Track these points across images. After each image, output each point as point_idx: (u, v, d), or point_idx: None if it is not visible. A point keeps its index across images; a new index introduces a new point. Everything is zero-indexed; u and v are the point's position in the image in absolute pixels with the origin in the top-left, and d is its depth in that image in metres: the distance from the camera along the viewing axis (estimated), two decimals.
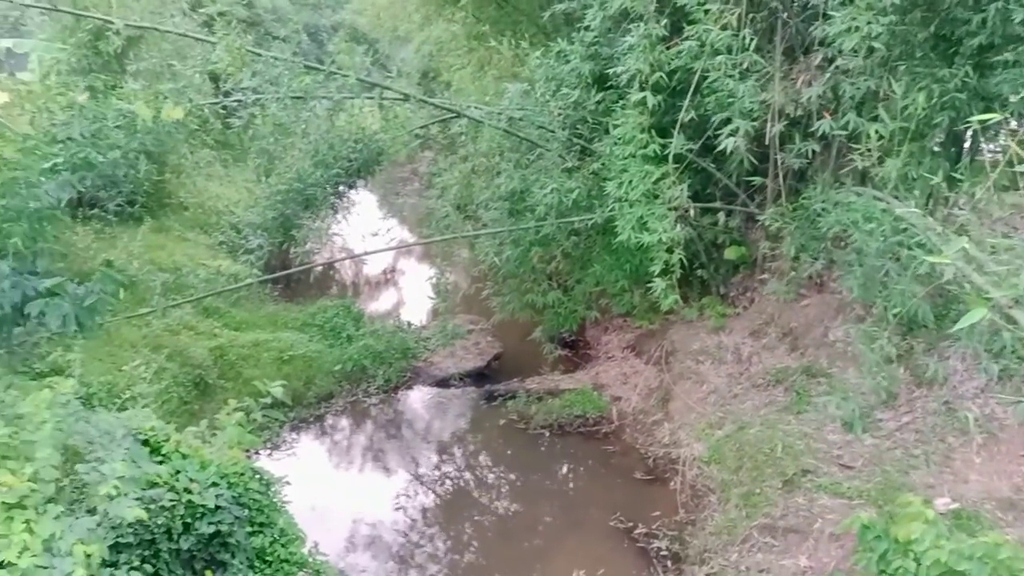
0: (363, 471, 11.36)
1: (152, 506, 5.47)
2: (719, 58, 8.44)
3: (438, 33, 18.27)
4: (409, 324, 14.93)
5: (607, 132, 10.01)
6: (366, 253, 12.88)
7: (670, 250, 8.68)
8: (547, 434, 11.45)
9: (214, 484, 6.39)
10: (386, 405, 12.90)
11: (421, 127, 13.00)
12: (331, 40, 24.78)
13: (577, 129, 11.23)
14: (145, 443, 6.11)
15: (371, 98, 11.22)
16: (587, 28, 10.30)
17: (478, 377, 13.42)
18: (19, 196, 5.85)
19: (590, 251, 11.94)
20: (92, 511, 4.59)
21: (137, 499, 5.02)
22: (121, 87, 10.21)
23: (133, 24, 9.99)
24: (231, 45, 9.44)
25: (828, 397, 8.36)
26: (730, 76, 8.39)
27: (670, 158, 8.80)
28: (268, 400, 8.10)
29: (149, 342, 11.36)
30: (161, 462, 6.13)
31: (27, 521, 4.08)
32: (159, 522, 5.64)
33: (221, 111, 11.43)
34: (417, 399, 13.18)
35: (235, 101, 10.75)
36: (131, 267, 12.07)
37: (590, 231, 11.45)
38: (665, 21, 8.89)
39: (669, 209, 8.72)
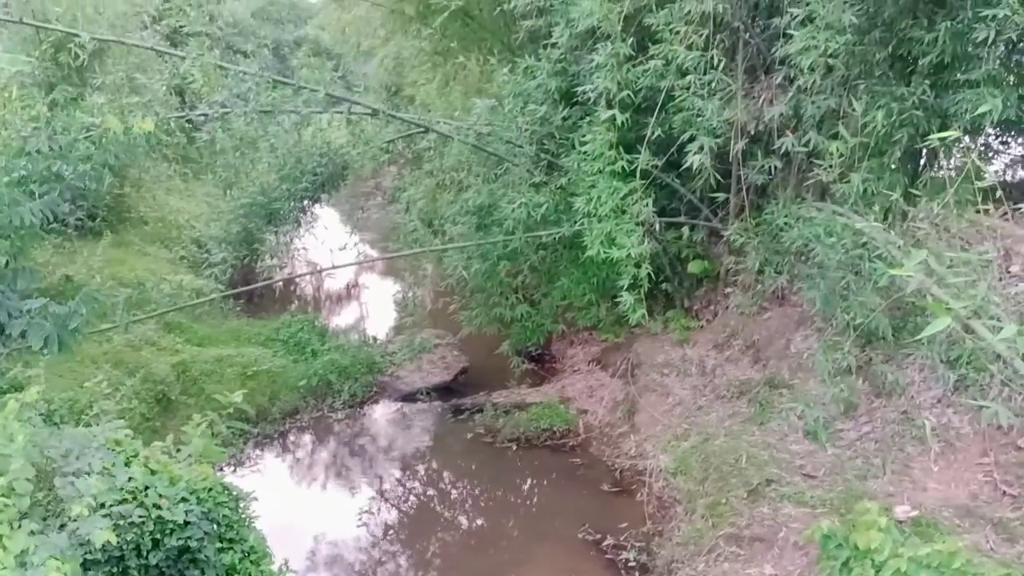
0: (328, 487, 11.27)
1: (121, 522, 5.41)
2: (688, 78, 8.63)
3: (402, 49, 18.34)
4: (375, 339, 14.88)
5: (574, 147, 10.14)
6: (331, 268, 12.80)
7: (638, 264, 8.81)
8: (514, 447, 11.49)
9: (183, 499, 6.31)
10: (352, 420, 12.82)
11: (388, 141, 13.02)
12: (294, 55, 24.75)
13: (544, 144, 11.36)
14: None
15: (339, 112, 11.22)
16: (554, 45, 10.46)
17: (445, 391, 13.41)
18: (2, 213, 5.78)
19: (557, 265, 12.06)
20: (63, 526, 4.53)
21: (106, 515, 4.97)
22: (84, 100, 10.09)
23: (98, 37, 9.88)
24: (205, 64, 9.41)
25: (791, 407, 8.55)
26: (697, 95, 8.58)
27: (637, 174, 8.96)
28: (230, 410, 8.07)
29: (111, 358, 11.18)
30: (129, 479, 6.05)
31: (0, 536, 4.01)
32: (128, 538, 5.56)
33: (186, 125, 11.33)
34: (383, 414, 13.13)
35: (201, 115, 10.69)
36: (92, 282, 11.87)
37: (557, 245, 11.57)
38: (631, 40, 9.07)
39: (636, 224, 8.86)
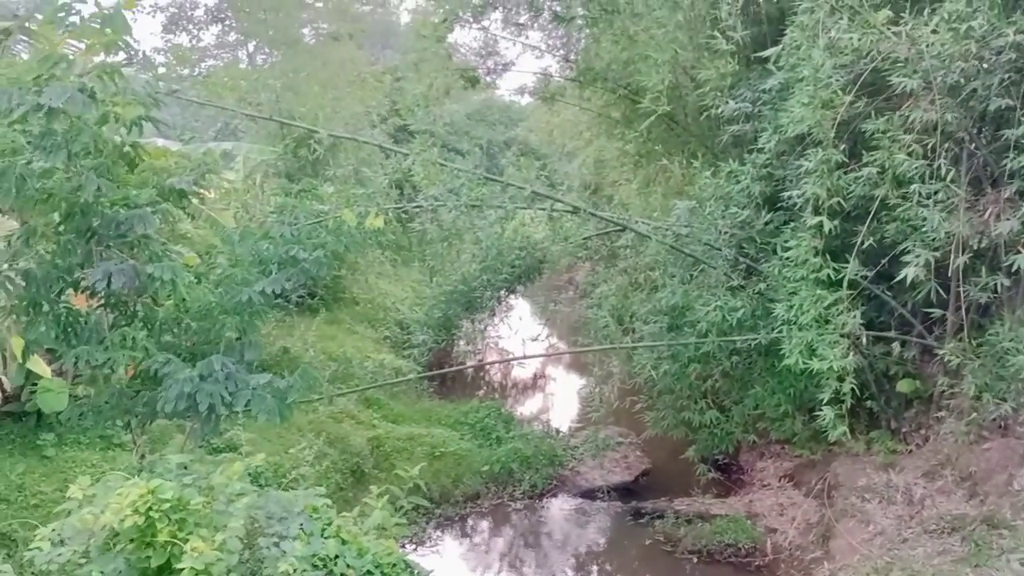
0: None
1: None
2: (911, 187, 8.27)
3: (604, 150, 18.89)
4: (557, 431, 14.94)
5: (775, 253, 9.90)
6: (521, 357, 13.14)
7: (841, 378, 8.34)
8: (695, 560, 10.96)
9: (368, 572, 6.55)
10: (530, 511, 12.81)
11: (585, 238, 13.34)
12: (502, 154, 26.14)
13: (744, 248, 11.17)
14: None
15: (542, 209, 11.70)
16: (760, 150, 10.38)
17: (625, 492, 13.12)
18: (235, 290, 6.50)
19: (751, 372, 11.62)
20: None
21: None
22: (317, 190, 11.19)
23: (334, 134, 11.01)
24: (427, 159, 10.22)
25: (1013, 551, 7.60)
26: (922, 205, 8.18)
27: (844, 283, 8.57)
28: (410, 485, 8.36)
29: (314, 427, 11.95)
30: (323, 545, 6.37)
31: None
32: None
33: (402, 215, 12.24)
34: (561, 508, 13.01)
35: (417, 207, 11.52)
36: (306, 355, 12.87)
37: (752, 351, 11.18)
38: (844, 147, 8.84)
39: (841, 335, 8.43)
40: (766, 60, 10.10)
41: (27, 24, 9.06)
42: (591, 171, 21.32)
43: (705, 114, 11.64)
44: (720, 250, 11.25)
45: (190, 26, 29.99)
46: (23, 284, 6.10)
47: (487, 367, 19.63)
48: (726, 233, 11.12)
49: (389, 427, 13.33)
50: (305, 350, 13.39)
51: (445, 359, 15.28)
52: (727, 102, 10.94)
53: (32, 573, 5.91)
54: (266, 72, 19.53)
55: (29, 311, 6.15)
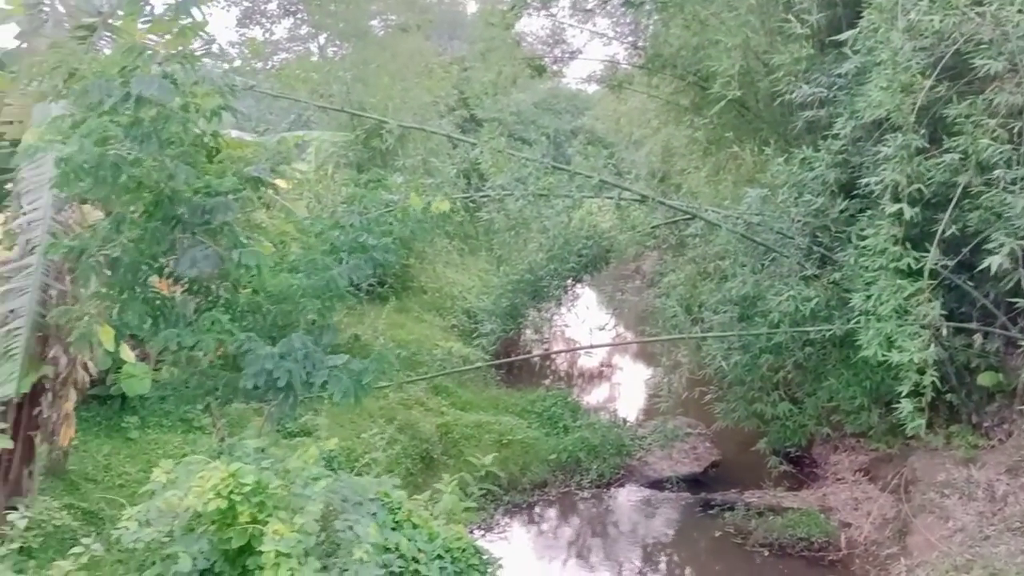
0: (568, 564, 11.29)
1: (383, 571, 5.79)
2: (997, 172, 7.96)
3: (672, 138, 18.67)
4: (625, 421, 14.88)
5: (850, 241, 9.65)
6: (588, 347, 13.11)
7: (921, 371, 8.09)
8: (765, 553, 10.81)
9: (439, 557, 6.66)
10: (597, 500, 12.81)
11: (654, 227, 13.22)
12: (569, 143, 26.05)
13: (818, 237, 10.92)
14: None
15: (609, 198, 11.63)
16: (835, 136, 10.11)
17: (693, 483, 13.00)
18: (318, 274, 6.68)
19: (825, 363, 11.36)
20: (344, 569, 4.96)
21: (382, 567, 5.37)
22: (386, 180, 11.35)
23: (404, 125, 11.14)
24: (494, 147, 10.28)
25: None
26: (1008, 191, 7.87)
27: (925, 273, 8.30)
28: (482, 473, 8.49)
29: (385, 413, 12.18)
30: (394, 529, 6.51)
31: (291, 570, 4.49)
32: None
33: (469, 204, 12.32)
34: (628, 498, 12.97)
35: (484, 196, 11.59)
36: (376, 342, 13.10)
37: (826, 343, 10.93)
38: (924, 132, 8.55)
39: (921, 327, 8.17)
40: (842, 44, 9.84)
41: (110, 21, 9.39)
42: (659, 159, 21.08)
43: (778, 100, 11.39)
44: (793, 239, 11.03)
45: (263, 20, 30.63)
46: (108, 272, 6.35)
47: (554, 356, 19.66)
48: (799, 221, 10.89)
49: (457, 414, 13.48)
50: (375, 337, 13.62)
51: (512, 348, 15.36)
52: (801, 87, 10.69)
53: (119, 551, 6.19)
54: (337, 64, 19.85)
55: (118, 296, 6.40)
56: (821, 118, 10.79)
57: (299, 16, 29.31)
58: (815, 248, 10.98)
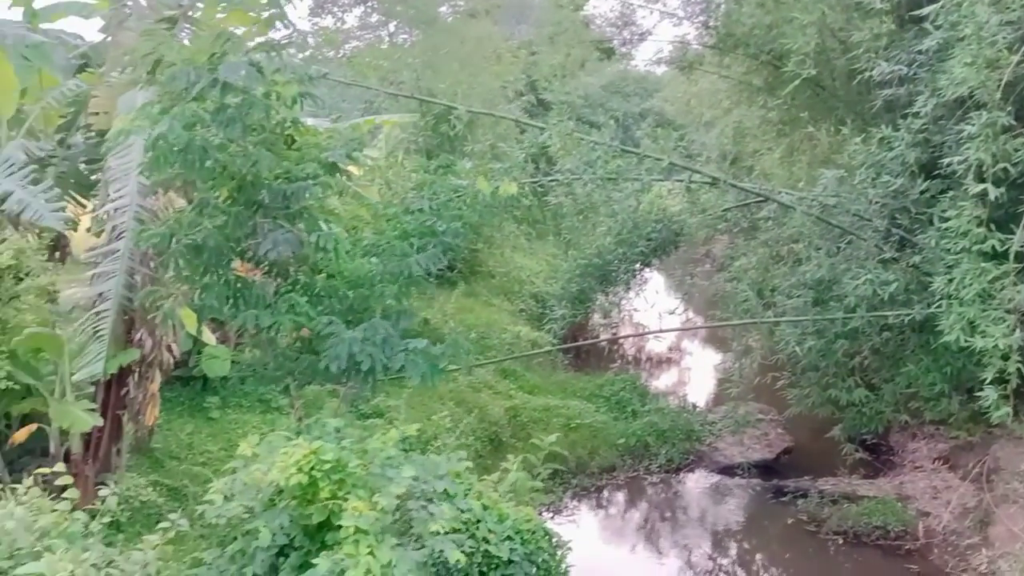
0: (637, 549, 11.33)
1: (457, 549, 5.90)
2: None
3: (744, 119, 18.28)
4: (694, 406, 14.78)
5: (931, 223, 9.34)
6: (657, 331, 13.03)
7: (1006, 357, 7.80)
8: (840, 541, 10.65)
9: (509, 538, 6.75)
10: (666, 485, 12.77)
11: (725, 210, 13.02)
12: (638, 126, 25.76)
13: (896, 219, 10.57)
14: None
15: (679, 180, 11.50)
16: (916, 115, 9.77)
17: (765, 470, 12.86)
18: (397, 260, 6.84)
19: (903, 349, 11.03)
20: (421, 545, 5.09)
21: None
22: (455, 166, 11.46)
23: (472, 111, 11.21)
24: (563, 130, 10.27)
25: None
26: None
27: (1011, 255, 7.98)
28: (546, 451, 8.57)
29: (455, 396, 12.35)
30: (465, 509, 6.62)
31: (369, 547, 4.63)
32: (459, 567, 6.05)
33: (537, 189, 12.35)
34: (698, 483, 12.91)
35: (552, 180, 11.59)
36: (445, 326, 13.27)
37: (905, 327, 10.60)
38: (1010, 109, 8.19)
39: (1006, 311, 7.88)
40: (922, 19, 9.48)
41: (190, 13, 9.69)
42: (730, 141, 20.64)
43: (855, 78, 11.05)
44: (870, 221, 10.71)
45: (335, 9, 31.05)
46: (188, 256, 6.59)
47: (622, 341, 19.59)
48: (877, 203, 10.56)
49: (525, 398, 13.59)
50: (444, 321, 13.79)
51: (580, 332, 15.37)
52: (880, 64, 10.35)
53: (202, 525, 6.45)
54: (406, 51, 20.07)
55: (199, 280, 6.65)
56: (900, 96, 10.42)
57: (369, 4, 29.67)
58: (894, 230, 10.65)
